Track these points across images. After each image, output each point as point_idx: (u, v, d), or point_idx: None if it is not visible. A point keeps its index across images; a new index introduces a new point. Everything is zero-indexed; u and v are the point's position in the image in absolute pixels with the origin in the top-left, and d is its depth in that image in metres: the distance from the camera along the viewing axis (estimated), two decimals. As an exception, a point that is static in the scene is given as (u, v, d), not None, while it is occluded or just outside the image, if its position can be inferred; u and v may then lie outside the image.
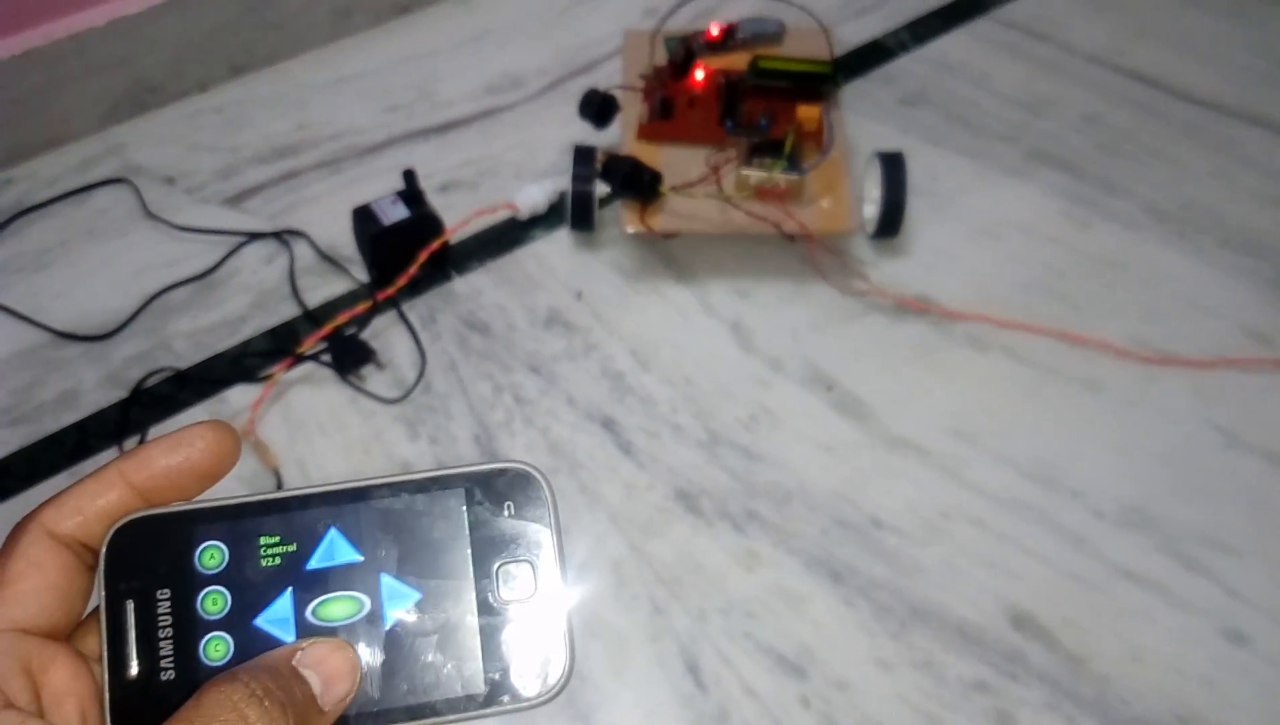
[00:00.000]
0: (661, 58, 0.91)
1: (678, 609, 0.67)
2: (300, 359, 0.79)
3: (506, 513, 0.28)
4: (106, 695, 0.25)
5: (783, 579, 0.68)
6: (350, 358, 0.79)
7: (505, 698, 0.27)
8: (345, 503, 0.27)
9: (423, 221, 0.82)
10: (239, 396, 0.78)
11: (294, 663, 0.25)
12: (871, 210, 0.85)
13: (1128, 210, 0.90)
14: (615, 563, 0.69)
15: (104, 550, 0.26)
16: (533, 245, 0.88)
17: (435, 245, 0.81)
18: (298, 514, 0.27)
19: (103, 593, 0.26)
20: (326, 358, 0.79)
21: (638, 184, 0.80)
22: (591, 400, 0.77)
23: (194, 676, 0.25)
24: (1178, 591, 0.67)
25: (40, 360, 0.81)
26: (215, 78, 1.02)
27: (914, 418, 0.76)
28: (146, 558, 0.26)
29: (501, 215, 0.89)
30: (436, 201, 0.85)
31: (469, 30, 1.09)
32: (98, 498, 0.26)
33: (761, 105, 0.86)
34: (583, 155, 0.83)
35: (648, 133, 0.87)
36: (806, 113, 0.84)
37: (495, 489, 0.28)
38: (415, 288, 0.84)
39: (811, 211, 0.82)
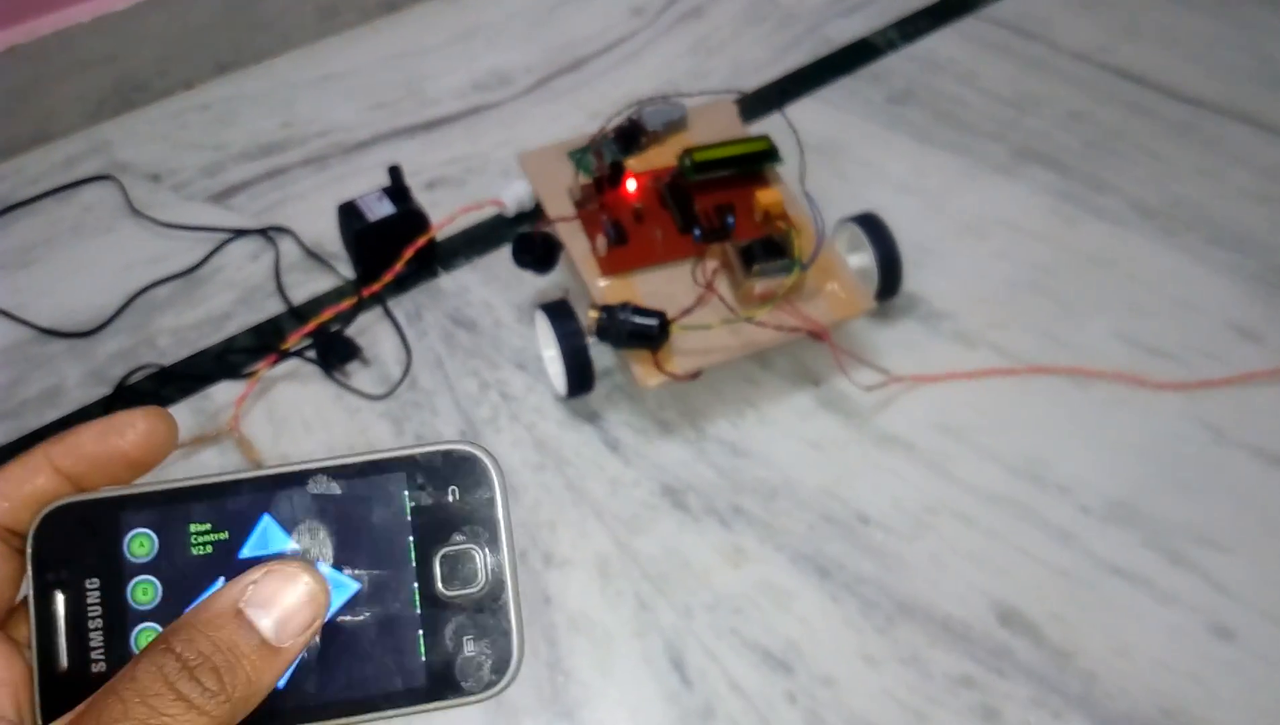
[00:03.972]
0: (566, 174, 0.80)
1: (664, 605, 0.67)
2: (285, 355, 0.78)
3: (451, 497, 0.26)
4: (36, 688, 0.25)
5: (769, 575, 0.68)
6: (335, 354, 0.79)
7: (448, 692, 0.25)
8: (279, 488, 0.26)
9: (408, 218, 0.82)
10: (223, 393, 0.77)
11: (241, 606, 0.23)
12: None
13: (1116, 207, 0.90)
14: (601, 559, 0.69)
15: (30, 538, 0.25)
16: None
17: (421, 242, 0.81)
18: (230, 500, 0.26)
19: (30, 583, 0.25)
20: (311, 354, 0.79)
21: (648, 337, 0.69)
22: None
23: None
24: (1165, 587, 0.67)
25: (24, 357, 0.80)
26: (202, 75, 1.02)
27: (901, 413, 0.76)
28: (75, 545, 0.25)
29: (488, 212, 0.88)
30: (423, 198, 0.85)
31: (457, 28, 1.09)
32: (24, 483, 0.25)
33: (710, 200, 0.77)
34: (557, 312, 0.72)
35: (611, 266, 0.75)
36: (769, 198, 0.76)
37: (438, 472, 0.26)
38: (401, 284, 0.84)
39: (825, 302, 0.74)
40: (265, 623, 0.23)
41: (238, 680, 0.22)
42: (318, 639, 0.25)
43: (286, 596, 0.23)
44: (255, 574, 0.23)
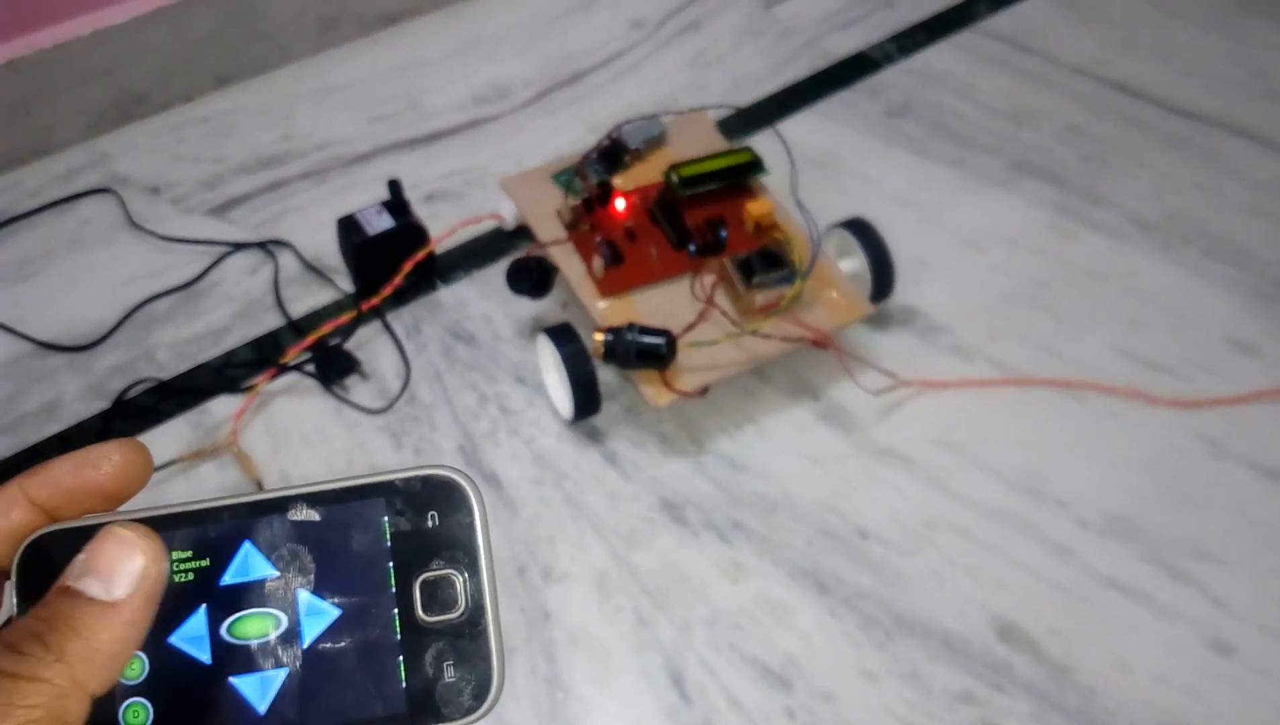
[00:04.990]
0: (551, 196, 0.80)
1: (662, 620, 0.67)
2: (284, 369, 0.78)
3: (430, 522, 0.26)
4: None
5: (768, 590, 0.68)
6: (334, 368, 0.79)
7: (429, 718, 0.25)
8: (260, 515, 0.26)
9: (408, 231, 0.82)
10: (222, 407, 0.77)
11: (64, 583, 0.24)
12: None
13: (1112, 221, 0.90)
14: (599, 573, 0.69)
15: (15, 569, 0.25)
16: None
17: (420, 255, 0.81)
18: (210, 528, 0.26)
19: (15, 612, 0.25)
20: (310, 368, 0.79)
21: (656, 356, 0.69)
22: (577, 410, 0.77)
23: (110, 695, 0.25)
24: (1163, 601, 0.67)
25: (22, 371, 0.80)
26: (201, 88, 1.02)
27: (899, 428, 0.76)
28: (59, 575, 0.25)
29: (487, 225, 0.88)
30: (422, 212, 0.85)
31: (456, 41, 1.09)
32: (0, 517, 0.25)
33: (701, 214, 0.78)
34: (561, 336, 0.72)
35: (609, 286, 0.75)
36: (760, 208, 0.77)
37: (417, 497, 0.26)
38: (400, 298, 0.84)
39: (825, 310, 0.75)
40: (90, 584, 0.24)
41: (64, 639, 0.23)
42: (300, 666, 0.25)
43: (105, 553, 0.24)
44: (87, 552, 0.24)
